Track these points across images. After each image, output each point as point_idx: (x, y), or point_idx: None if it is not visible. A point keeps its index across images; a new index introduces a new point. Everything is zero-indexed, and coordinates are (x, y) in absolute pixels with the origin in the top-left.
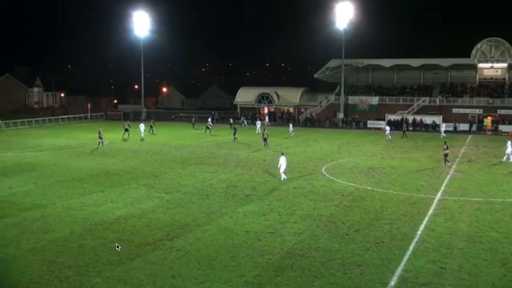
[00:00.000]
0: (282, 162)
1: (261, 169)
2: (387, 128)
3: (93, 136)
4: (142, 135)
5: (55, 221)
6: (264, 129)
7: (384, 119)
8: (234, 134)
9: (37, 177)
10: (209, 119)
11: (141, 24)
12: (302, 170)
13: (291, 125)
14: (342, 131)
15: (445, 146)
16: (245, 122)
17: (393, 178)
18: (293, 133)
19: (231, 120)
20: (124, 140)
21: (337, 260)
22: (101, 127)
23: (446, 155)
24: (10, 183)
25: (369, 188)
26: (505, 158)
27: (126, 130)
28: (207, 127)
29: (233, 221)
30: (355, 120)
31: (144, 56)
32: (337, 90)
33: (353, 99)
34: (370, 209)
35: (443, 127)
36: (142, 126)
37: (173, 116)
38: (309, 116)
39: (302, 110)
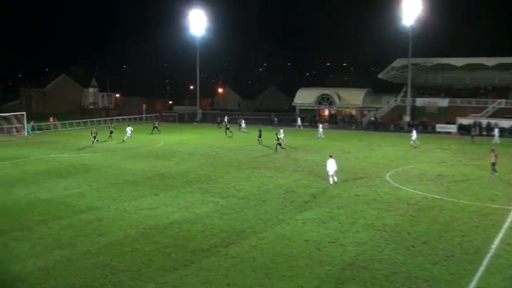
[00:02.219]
0: (331, 165)
1: (320, 175)
2: (414, 132)
3: (148, 138)
4: (126, 137)
5: (109, 224)
6: (276, 133)
7: (454, 123)
8: (259, 136)
9: (91, 178)
10: (243, 121)
11: (197, 23)
12: (365, 177)
13: (320, 126)
14: (409, 135)
15: (492, 154)
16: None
17: (465, 187)
18: (322, 135)
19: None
20: (108, 140)
21: (402, 273)
22: (93, 128)
23: (493, 164)
24: (66, 184)
25: (438, 197)
26: None
27: (111, 132)
28: (227, 128)
29: (291, 228)
30: (423, 124)
31: (200, 56)
32: (403, 92)
33: (420, 101)
34: (439, 220)
35: (496, 132)
36: (129, 129)
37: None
38: (372, 119)
39: (365, 112)
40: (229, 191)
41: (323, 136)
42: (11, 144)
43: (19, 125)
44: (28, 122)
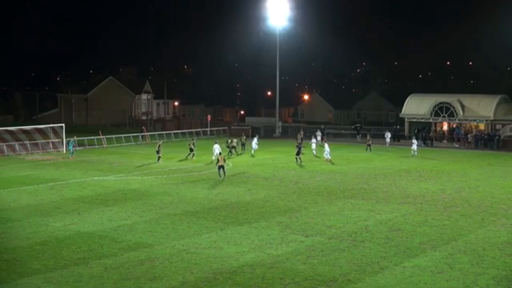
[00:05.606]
0: None
1: (437, 208)
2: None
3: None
4: (253, 150)
5: (163, 266)
6: (220, 153)
7: None
8: (297, 153)
9: (143, 208)
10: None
11: (277, 11)
12: (498, 212)
13: (414, 142)
14: None
15: None
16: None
17: None
18: (416, 152)
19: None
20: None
21: None
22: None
23: None
24: (111, 214)
25: None
26: None
27: (191, 150)
28: (230, 150)
29: (396, 279)
30: None
31: (280, 53)
32: None
33: None
34: None
35: None
36: (255, 140)
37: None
38: (509, 134)
39: (499, 126)
40: (316, 228)
41: (416, 154)
42: (47, 163)
43: (56, 140)
44: (69, 137)
